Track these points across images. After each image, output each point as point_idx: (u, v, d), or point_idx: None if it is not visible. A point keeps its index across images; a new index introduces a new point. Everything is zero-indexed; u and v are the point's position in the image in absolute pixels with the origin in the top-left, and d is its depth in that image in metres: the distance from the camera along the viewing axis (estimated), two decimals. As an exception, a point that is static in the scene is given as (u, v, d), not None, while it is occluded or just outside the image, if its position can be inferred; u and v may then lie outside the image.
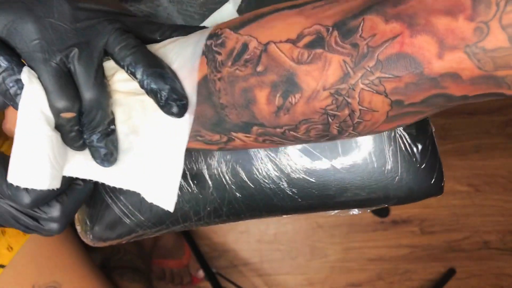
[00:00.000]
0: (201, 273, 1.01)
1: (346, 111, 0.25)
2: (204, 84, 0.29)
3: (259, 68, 0.27)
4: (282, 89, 0.26)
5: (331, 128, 0.27)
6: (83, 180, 0.36)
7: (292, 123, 0.27)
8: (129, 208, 0.42)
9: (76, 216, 0.45)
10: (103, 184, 0.41)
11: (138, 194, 0.34)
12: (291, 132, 0.28)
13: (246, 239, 1.07)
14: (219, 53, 0.28)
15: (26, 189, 0.32)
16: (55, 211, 0.35)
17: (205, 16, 0.39)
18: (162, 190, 0.33)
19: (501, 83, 0.22)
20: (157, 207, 0.40)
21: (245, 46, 0.27)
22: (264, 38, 0.27)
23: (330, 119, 0.26)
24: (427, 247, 1.05)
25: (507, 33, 0.20)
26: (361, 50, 0.24)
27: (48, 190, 0.33)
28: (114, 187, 0.41)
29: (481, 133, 1.06)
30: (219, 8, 0.38)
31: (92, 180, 0.36)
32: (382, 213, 1.05)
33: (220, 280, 1.00)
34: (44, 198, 0.34)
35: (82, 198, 0.37)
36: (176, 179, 0.32)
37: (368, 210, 0.42)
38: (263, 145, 0.30)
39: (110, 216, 0.43)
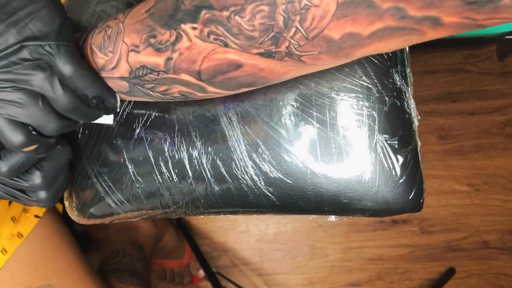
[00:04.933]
0: (201, 273, 1.01)
1: None
2: None
3: None
4: None
5: (276, 13, 0.26)
6: (60, 143, 0.38)
7: (239, 1, 0.27)
8: (117, 196, 0.44)
9: (65, 192, 0.47)
10: (92, 168, 0.44)
11: (129, 186, 0.38)
12: (236, 18, 0.27)
13: (246, 239, 1.08)
14: None
15: (0, 158, 0.34)
16: (36, 178, 0.37)
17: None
18: None
19: None
20: (141, 193, 0.43)
21: None
22: None
23: None
24: (427, 246, 1.05)
25: None
26: None
27: (23, 157, 0.35)
28: (104, 174, 0.44)
29: (481, 133, 1.05)
30: None
31: (67, 143, 0.39)
32: (382, 213, 1.05)
33: (220, 279, 1.00)
34: (21, 165, 0.35)
35: (62, 161, 0.38)
36: None
37: (345, 219, 0.42)
38: (207, 47, 0.29)
39: (97, 199, 0.45)
